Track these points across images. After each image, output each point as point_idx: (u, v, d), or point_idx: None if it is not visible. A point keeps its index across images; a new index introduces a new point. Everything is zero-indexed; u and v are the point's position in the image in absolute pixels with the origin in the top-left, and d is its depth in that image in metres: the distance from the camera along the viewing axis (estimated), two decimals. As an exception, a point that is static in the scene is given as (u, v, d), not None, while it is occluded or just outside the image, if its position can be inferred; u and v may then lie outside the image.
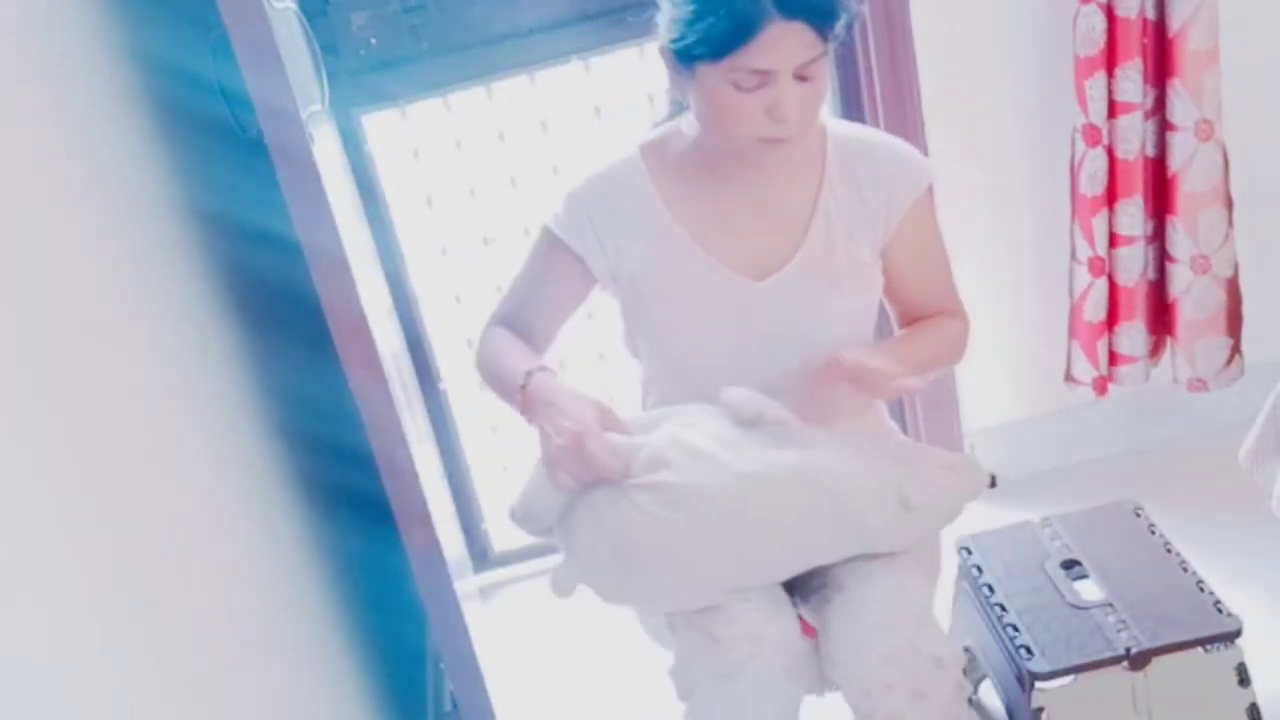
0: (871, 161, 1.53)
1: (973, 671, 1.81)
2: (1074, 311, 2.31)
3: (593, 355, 2.59)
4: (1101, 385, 2.36)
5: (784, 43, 1.33)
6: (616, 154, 1.56)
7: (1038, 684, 1.61)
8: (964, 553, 1.83)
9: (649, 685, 2.11)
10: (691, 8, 1.36)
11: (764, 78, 1.35)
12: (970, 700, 1.55)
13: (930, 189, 1.57)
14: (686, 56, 1.39)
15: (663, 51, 1.44)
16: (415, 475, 1.61)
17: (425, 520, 1.63)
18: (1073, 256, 2.27)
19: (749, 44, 1.32)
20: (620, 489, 1.37)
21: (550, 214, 1.55)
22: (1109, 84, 2.11)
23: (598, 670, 2.30)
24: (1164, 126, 2.16)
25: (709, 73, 1.37)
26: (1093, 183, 2.18)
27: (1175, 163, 2.16)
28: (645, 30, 1.47)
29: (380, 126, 2.35)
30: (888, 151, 1.54)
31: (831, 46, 1.38)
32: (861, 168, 1.52)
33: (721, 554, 1.39)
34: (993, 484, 1.53)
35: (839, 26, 1.37)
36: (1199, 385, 2.33)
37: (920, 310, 1.62)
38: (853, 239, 1.52)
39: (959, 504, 1.50)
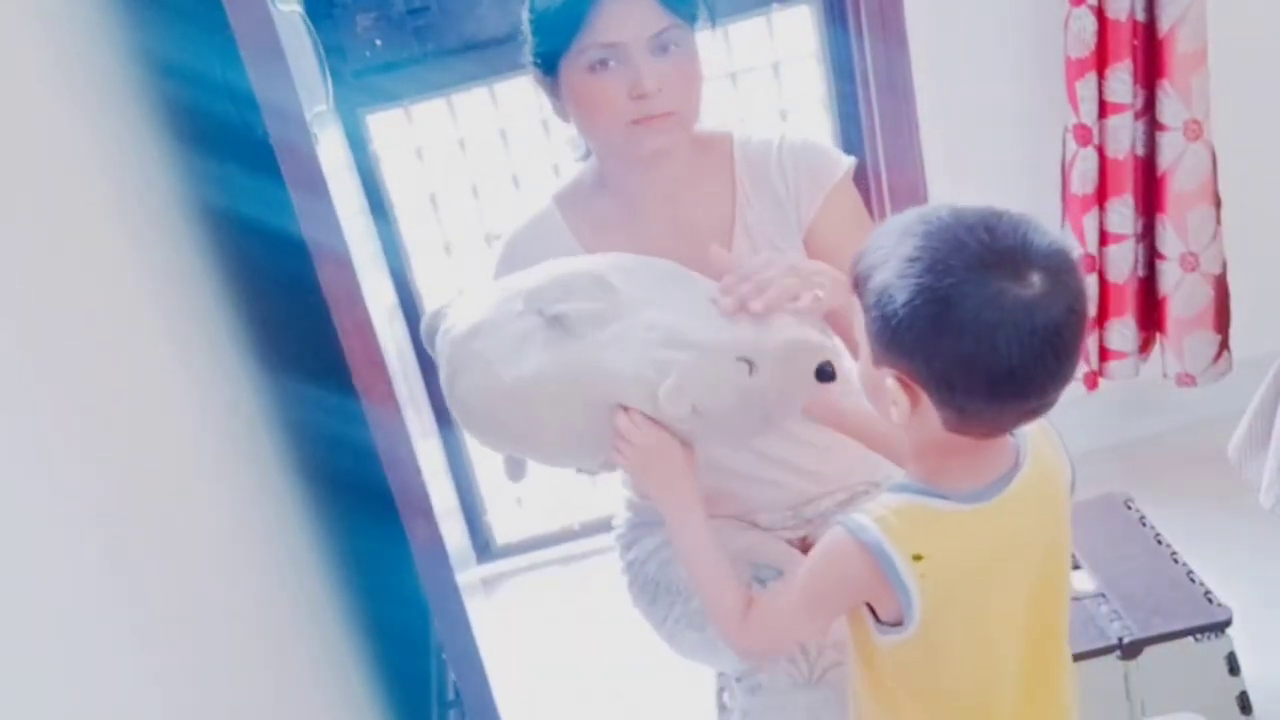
0: (779, 161, 1.47)
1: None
2: (1066, 308, 2.34)
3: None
4: (1092, 380, 2.39)
5: (622, 14, 1.33)
6: (530, 207, 1.53)
7: (1029, 672, 1.63)
8: (957, 544, 1.86)
9: (650, 676, 2.14)
10: (531, 9, 1.39)
11: (614, 54, 1.34)
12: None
13: (844, 181, 1.49)
14: (547, 63, 1.39)
15: (534, 76, 1.43)
16: (418, 469, 1.62)
17: (428, 513, 1.64)
18: (1065, 254, 2.30)
19: (588, 22, 1.33)
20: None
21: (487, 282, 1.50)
22: (1100, 85, 2.13)
23: (599, 661, 2.32)
24: (1154, 126, 2.18)
25: (568, 70, 1.37)
26: (1084, 182, 2.20)
27: (1164, 162, 2.19)
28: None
29: (385, 126, 2.37)
30: (793, 148, 1.48)
31: (688, 19, 1.37)
32: (771, 170, 1.47)
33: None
34: (823, 376, 1.22)
35: None
36: (1188, 380, 2.35)
37: None
38: (776, 245, 1.47)
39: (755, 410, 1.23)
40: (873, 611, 1.12)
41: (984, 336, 0.96)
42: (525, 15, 1.40)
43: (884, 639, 1.11)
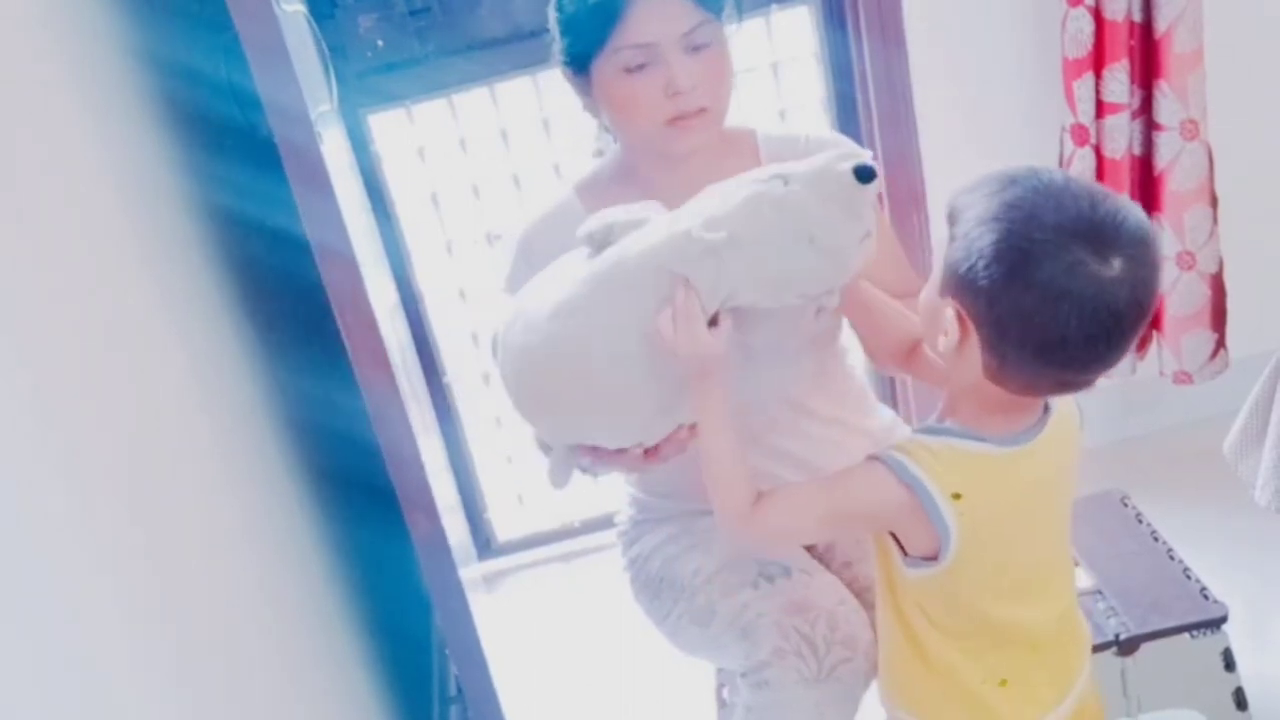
0: (807, 154, 1.43)
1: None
2: (1064, 307, 2.35)
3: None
4: (1091, 379, 2.40)
5: (654, 14, 1.32)
6: (550, 197, 1.51)
7: (1026, 667, 1.64)
8: (955, 541, 1.87)
9: (650, 672, 2.15)
10: (560, 10, 1.38)
11: (648, 54, 1.33)
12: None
13: None
14: (579, 63, 1.38)
15: (563, 74, 1.43)
16: (420, 466, 1.63)
17: (430, 509, 1.65)
18: (1063, 253, 2.31)
19: (620, 23, 1.32)
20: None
21: (502, 277, 1.51)
22: (1097, 85, 2.14)
23: (599, 656, 2.33)
24: (1150, 126, 2.19)
25: (600, 69, 1.36)
26: (1082, 181, 2.22)
27: (1161, 161, 2.20)
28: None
29: (387, 126, 2.38)
30: (820, 141, 1.49)
31: (718, 14, 1.37)
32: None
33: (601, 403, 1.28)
34: (863, 175, 1.20)
35: None
36: (1185, 378, 2.36)
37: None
38: None
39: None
40: (898, 544, 1.16)
41: (1049, 298, 1.01)
42: (553, 15, 1.40)
43: (913, 572, 1.16)
